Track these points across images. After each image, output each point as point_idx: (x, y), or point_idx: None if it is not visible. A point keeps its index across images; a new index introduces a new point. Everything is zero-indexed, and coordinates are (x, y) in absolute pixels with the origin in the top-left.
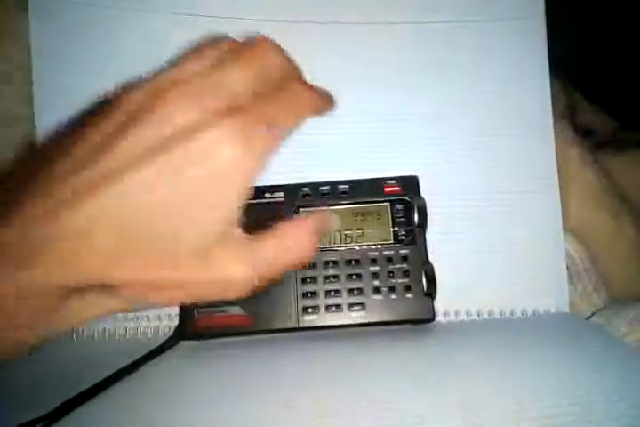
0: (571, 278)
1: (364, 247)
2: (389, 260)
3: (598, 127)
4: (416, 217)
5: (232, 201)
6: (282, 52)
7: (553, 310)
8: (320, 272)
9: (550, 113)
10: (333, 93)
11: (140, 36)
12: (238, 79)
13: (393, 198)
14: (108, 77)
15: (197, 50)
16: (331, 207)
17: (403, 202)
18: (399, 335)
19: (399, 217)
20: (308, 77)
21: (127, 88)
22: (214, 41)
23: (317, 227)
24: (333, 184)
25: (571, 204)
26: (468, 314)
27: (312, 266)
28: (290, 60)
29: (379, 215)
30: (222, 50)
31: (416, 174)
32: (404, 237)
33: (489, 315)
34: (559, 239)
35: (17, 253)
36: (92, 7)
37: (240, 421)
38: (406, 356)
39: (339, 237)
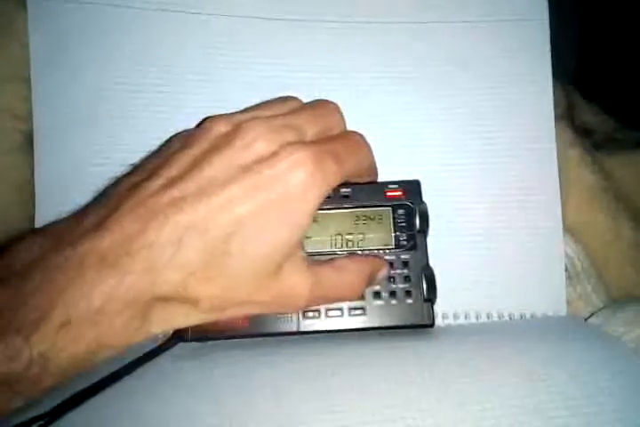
0: (569, 279)
1: (365, 252)
2: (390, 265)
3: (597, 127)
4: (417, 222)
5: (300, 223)
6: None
7: (551, 313)
8: None
9: (552, 113)
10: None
11: (139, 35)
12: (310, 123)
13: (395, 203)
14: (107, 75)
15: (269, 103)
16: (332, 211)
17: (404, 207)
18: (398, 338)
19: (400, 222)
20: (310, 77)
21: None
22: (282, 99)
23: (372, 271)
24: (335, 187)
25: (569, 204)
26: (466, 317)
27: None
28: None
29: (380, 220)
30: (292, 106)
31: (418, 178)
32: (405, 243)
33: (488, 318)
34: (559, 242)
35: (113, 259)
36: (90, 5)
37: (238, 422)
38: (404, 358)
39: (340, 242)
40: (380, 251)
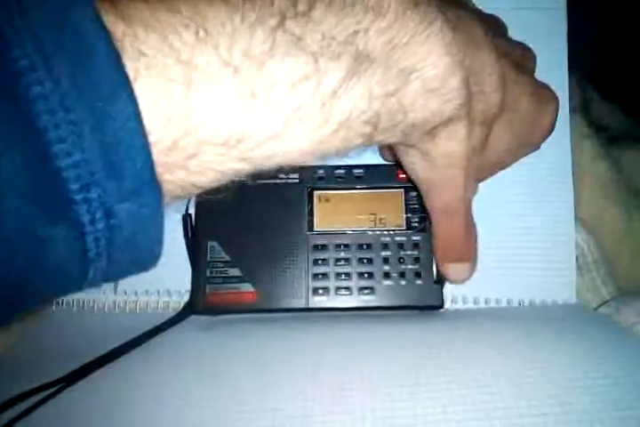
0: (579, 270)
1: (377, 232)
2: (401, 246)
3: (611, 122)
4: None
5: None
6: None
7: (561, 301)
8: (331, 255)
9: (567, 103)
10: None
11: None
12: None
13: (407, 185)
14: None
15: None
16: (344, 191)
17: (416, 189)
18: (406, 320)
19: (412, 204)
20: None
21: None
22: None
23: None
24: (348, 168)
25: (583, 195)
26: (475, 302)
27: (324, 248)
28: None
29: (392, 201)
30: None
31: None
32: (416, 224)
33: (497, 303)
34: (570, 230)
35: None
36: None
37: (245, 394)
38: (413, 340)
39: (351, 221)
40: (392, 232)
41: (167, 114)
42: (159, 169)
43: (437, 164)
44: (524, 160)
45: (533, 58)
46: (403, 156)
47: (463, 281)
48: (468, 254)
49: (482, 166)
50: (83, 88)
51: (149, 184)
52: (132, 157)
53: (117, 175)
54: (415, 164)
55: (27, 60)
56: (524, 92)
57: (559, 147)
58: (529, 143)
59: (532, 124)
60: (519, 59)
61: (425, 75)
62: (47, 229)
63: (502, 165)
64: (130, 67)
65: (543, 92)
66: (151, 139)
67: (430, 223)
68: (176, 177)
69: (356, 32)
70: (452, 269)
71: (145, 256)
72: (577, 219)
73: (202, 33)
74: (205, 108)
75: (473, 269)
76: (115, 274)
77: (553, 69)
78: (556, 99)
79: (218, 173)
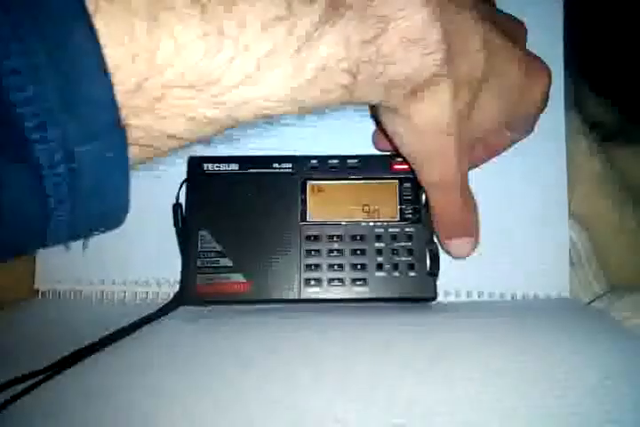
0: (572, 264)
1: (370, 224)
2: (394, 237)
3: (605, 119)
4: (424, 196)
5: None
6: None
7: (554, 295)
8: (324, 246)
9: (562, 99)
10: None
11: None
12: None
13: (401, 176)
14: None
15: None
16: (338, 182)
17: (411, 180)
18: (399, 312)
19: (407, 195)
20: None
21: None
22: None
23: None
24: (342, 158)
25: (577, 191)
26: (468, 295)
27: (316, 238)
28: None
29: (386, 192)
30: None
31: None
32: (410, 216)
33: (490, 297)
34: (564, 225)
35: None
36: None
37: (235, 386)
38: (405, 331)
39: (344, 212)
40: (385, 223)
41: (131, 51)
42: (123, 111)
43: (423, 130)
44: (517, 155)
45: (524, 30)
46: (388, 125)
47: (467, 256)
48: (470, 229)
49: (472, 137)
50: (37, 17)
51: (112, 126)
52: (94, 94)
53: (78, 114)
54: (402, 135)
55: None
56: (511, 59)
57: (553, 143)
58: (520, 115)
59: (522, 93)
60: (507, 28)
61: (403, 24)
62: (4, 168)
63: (496, 145)
64: None
65: (534, 64)
66: (114, 79)
67: (427, 211)
68: (143, 122)
69: None
70: (454, 245)
71: (112, 209)
72: (570, 214)
73: None
74: (171, 47)
75: (476, 243)
76: (81, 228)
77: (549, 65)
78: (547, 71)
79: (189, 119)
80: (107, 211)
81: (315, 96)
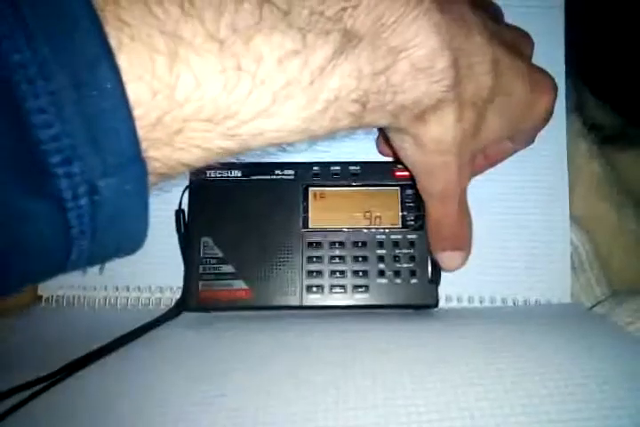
0: (574, 269)
1: (372, 230)
2: (396, 244)
3: (606, 122)
4: None
5: None
6: None
7: (555, 300)
8: (326, 252)
9: (564, 102)
10: None
11: None
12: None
13: (403, 183)
14: None
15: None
16: (340, 189)
17: (413, 187)
18: (401, 319)
19: (409, 202)
20: None
21: None
22: None
23: None
24: (344, 165)
25: (577, 194)
26: (470, 301)
27: (318, 245)
28: None
29: (388, 199)
30: None
31: None
32: (412, 223)
33: (491, 302)
34: (565, 229)
35: None
36: None
37: (238, 391)
38: (406, 338)
39: (346, 219)
40: (387, 230)
41: (152, 87)
42: (144, 144)
43: (429, 149)
44: (518, 159)
45: (531, 43)
46: (395, 140)
47: (456, 269)
48: (463, 242)
49: (475, 151)
50: (63, 56)
51: (134, 159)
52: (116, 130)
53: (101, 149)
54: (407, 149)
55: (5, 26)
56: (517, 77)
57: (554, 146)
58: (523, 131)
59: (527, 108)
60: (514, 43)
61: (413, 54)
62: (27, 203)
63: (497, 155)
64: (113, 36)
65: (539, 79)
66: (136, 113)
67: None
68: (161, 153)
69: (344, 9)
70: (445, 257)
71: (130, 236)
72: (571, 218)
73: (187, 5)
74: (191, 82)
75: (467, 257)
76: (100, 255)
77: (550, 69)
78: (553, 87)
79: (204, 150)
80: (126, 238)
81: (325, 125)
